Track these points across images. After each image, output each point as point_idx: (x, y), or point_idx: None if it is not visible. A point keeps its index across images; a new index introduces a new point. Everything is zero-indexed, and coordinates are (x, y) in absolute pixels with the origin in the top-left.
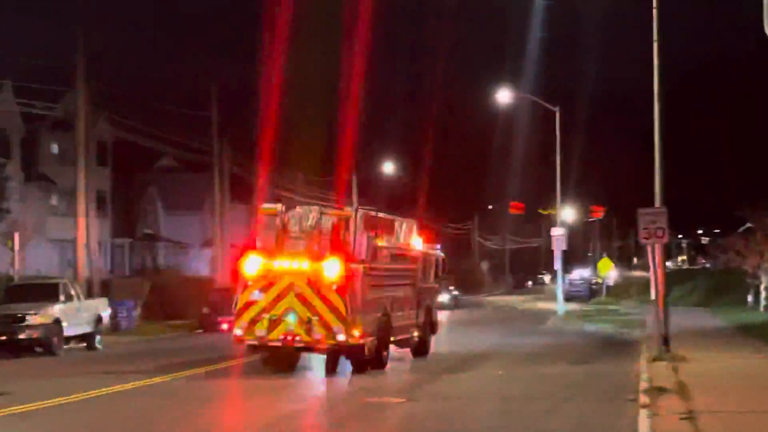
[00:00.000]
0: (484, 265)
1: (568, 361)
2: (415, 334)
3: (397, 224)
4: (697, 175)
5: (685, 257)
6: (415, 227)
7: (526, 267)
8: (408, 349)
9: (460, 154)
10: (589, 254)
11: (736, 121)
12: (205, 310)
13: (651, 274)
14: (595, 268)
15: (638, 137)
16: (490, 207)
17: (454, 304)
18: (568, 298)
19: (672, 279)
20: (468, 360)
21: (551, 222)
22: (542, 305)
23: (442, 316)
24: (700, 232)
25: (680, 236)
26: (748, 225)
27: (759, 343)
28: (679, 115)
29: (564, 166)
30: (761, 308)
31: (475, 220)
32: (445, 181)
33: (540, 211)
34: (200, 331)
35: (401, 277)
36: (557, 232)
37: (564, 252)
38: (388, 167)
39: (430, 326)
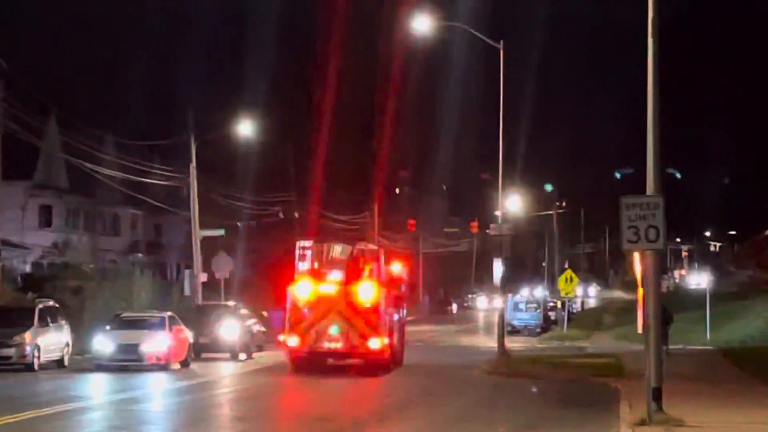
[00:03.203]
0: None
1: (512, 425)
2: (385, 345)
3: (387, 252)
4: (707, 149)
5: (685, 271)
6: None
7: (452, 282)
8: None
9: (363, 116)
10: (544, 264)
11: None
12: None
13: (639, 297)
14: (553, 285)
15: (621, 93)
16: (397, 191)
17: None
18: (513, 331)
19: (670, 303)
20: (361, 420)
21: (489, 215)
22: (471, 341)
23: None
24: (708, 234)
25: (679, 240)
26: None
27: None
28: (678, 57)
29: (512, 129)
30: None
31: (374, 210)
32: (339, 153)
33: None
34: None
35: (398, 298)
36: (498, 231)
37: (506, 261)
38: (246, 128)
39: (401, 341)
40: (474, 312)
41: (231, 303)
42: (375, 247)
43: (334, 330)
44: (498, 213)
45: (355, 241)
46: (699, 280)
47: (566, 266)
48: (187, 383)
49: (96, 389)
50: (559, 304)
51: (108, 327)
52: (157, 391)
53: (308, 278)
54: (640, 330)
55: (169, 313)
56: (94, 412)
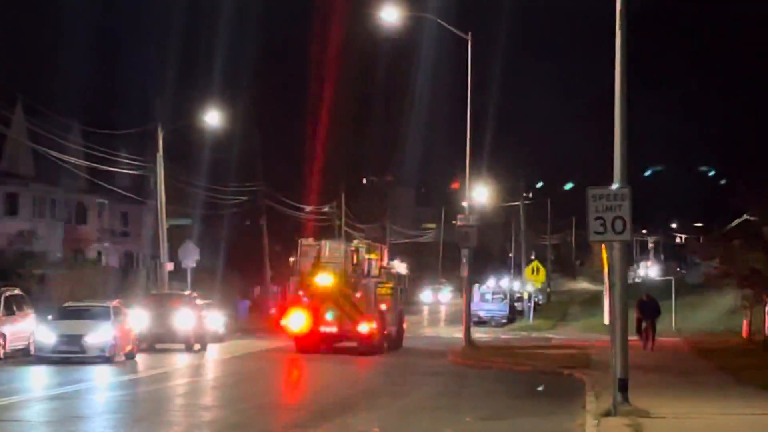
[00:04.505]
0: None
1: (477, 416)
2: (385, 332)
3: (383, 249)
4: (675, 140)
5: (651, 262)
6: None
7: (420, 273)
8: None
9: (331, 106)
10: (511, 255)
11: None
12: None
13: (606, 289)
14: (519, 276)
15: (590, 84)
16: (364, 181)
17: None
18: (479, 321)
19: (636, 295)
20: (329, 410)
21: (457, 206)
22: (437, 331)
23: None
24: (674, 226)
25: (645, 231)
26: (746, 217)
27: (750, 390)
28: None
29: (480, 122)
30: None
31: (342, 200)
32: (307, 144)
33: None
34: None
35: (389, 287)
36: (465, 222)
37: (472, 251)
38: (213, 118)
39: (400, 326)
40: (441, 303)
41: (187, 292)
42: (366, 244)
43: (329, 316)
44: (465, 204)
45: (352, 240)
46: (656, 271)
47: (533, 257)
48: (132, 377)
49: (32, 383)
50: (525, 295)
51: (50, 317)
52: (98, 385)
53: (308, 271)
54: (606, 321)
55: (115, 303)
56: (22, 410)
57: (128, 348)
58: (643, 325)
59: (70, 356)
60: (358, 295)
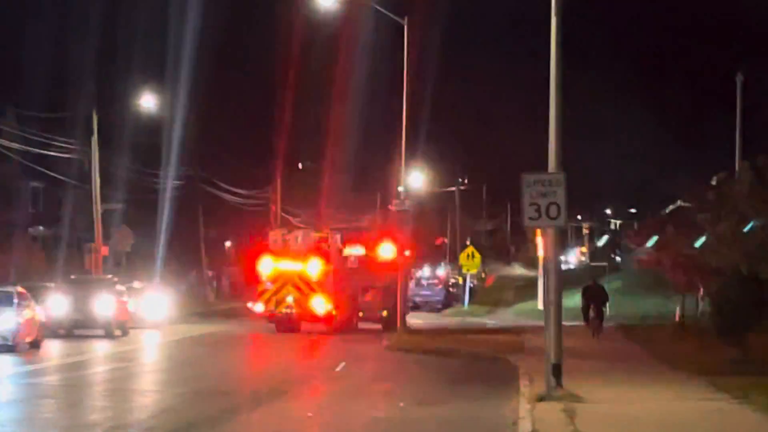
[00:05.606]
0: None
1: (412, 400)
2: (384, 314)
3: (367, 236)
4: (608, 125)
5: (585, 248)
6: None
7: None
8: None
9: (273, 92)
10: (446, 241)
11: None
12: None
13: (540, 274)
14: (455, 263)
15: (526, 70)
16: (300, 166)
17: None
18: (414, 307)
19: (571, 280)
20: (264, 395)
21: (390, 191)
22: None
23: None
24: (609, 212)
25: (580, 217)
26: (680, 203)
27: (682, 375)
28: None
29: (417, 107)
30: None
31: (277, 184)
32: (241, 128)
33: None
34: None
35: (368, 272)
36: (400, 207)
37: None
38: (148, 101)
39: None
40: None
41: (108, 276)
42: (326, 234)
43: (289, 299)
44: (400, 188)
45: (317, 230)
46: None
47: (468, 243)
48: (45, 365)
49: None
50: (460, 281)
51: None
52: (9, 373)
53: (271, 258)
54: (540, 306)
55: (19, 288)
56: None
57: (33, 335)
58: (591, 313)
59: None
60: (314, 279)
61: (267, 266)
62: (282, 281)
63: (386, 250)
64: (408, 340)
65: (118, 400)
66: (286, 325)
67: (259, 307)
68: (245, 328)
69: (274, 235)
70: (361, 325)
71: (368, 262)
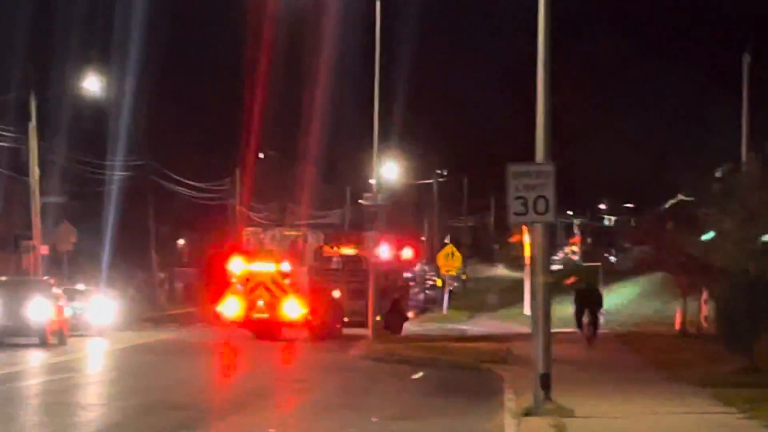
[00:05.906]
0: None
1: (385, 415)
2: (377, 318)
3: (356, 237)
4: (602, 116)
5: (576, 247)
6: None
7: None
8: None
9: (234, 76)
10: (423, 238)
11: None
12: None
13: (526, 275)
14: (432, 262)
15: (510, 57)
16: (261, 155)
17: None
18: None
19: (559, 282)
20: (222, 408)
21: (363, 184)
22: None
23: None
24: (603, 207)
25: (571, 213)
26: (680, 197)
27: (683, 387)
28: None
29: (391, 96)
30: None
31: (236, 175)
32: (199, 115)
33: None
34: None
35: (352, 274)
36: (373, 201)
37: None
38: (93, 84)
39: (398, 314)
40: None
41: (45, 278)
42: (300, 233)
43: (260, 302)
44: (372, 181)
45: (293, 229)
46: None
47: (447, 240)
48: None
49: None
50: (439, 282)
51: None
52: None
53: (242, 258)
54: (527, 311)
55: None
56: None
57: None
58: (585, 319)
59: None
60: (287, 281)
61: (237, 267)
62: (253, 283)
63: (382, 251)
64: (381, 349)
65: (56, 415)
66: (264, 332)
67: (228, 312)
68: (202, 334)
69: (248, 234)
70: (348, 331)
71: (358, 263)
